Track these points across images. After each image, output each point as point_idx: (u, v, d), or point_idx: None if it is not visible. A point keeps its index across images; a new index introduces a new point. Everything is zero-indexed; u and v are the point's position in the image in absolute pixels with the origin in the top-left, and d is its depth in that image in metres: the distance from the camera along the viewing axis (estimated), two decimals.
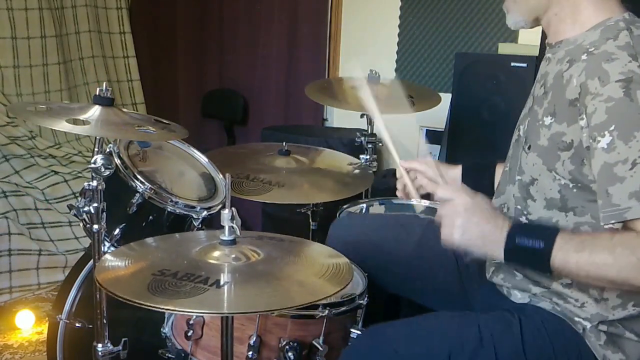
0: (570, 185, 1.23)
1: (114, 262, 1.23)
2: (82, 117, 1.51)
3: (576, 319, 1.27)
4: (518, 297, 1.36)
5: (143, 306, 1.05)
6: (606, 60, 1.15)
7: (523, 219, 1.33)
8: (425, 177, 1.57)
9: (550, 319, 1.29)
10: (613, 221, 1.12)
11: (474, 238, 1.21)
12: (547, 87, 1.29)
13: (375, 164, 2.15)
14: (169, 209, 1.69)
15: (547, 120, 1.25)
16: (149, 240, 1.37)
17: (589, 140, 1.15)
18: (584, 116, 1.15)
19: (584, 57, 1.19)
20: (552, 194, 1.26)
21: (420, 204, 1.85)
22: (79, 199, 1.56)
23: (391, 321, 1.36)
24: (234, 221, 1.21)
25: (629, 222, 1.11)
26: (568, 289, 1.27)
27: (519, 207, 1.34)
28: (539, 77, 1.36)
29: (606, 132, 1.11)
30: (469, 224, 1.20)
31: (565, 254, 1.14)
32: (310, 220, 2.28)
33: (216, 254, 1.22)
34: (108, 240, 1.71)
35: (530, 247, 1.16)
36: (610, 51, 1.16)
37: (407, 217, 1.80)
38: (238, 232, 1.22)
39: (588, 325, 1.26)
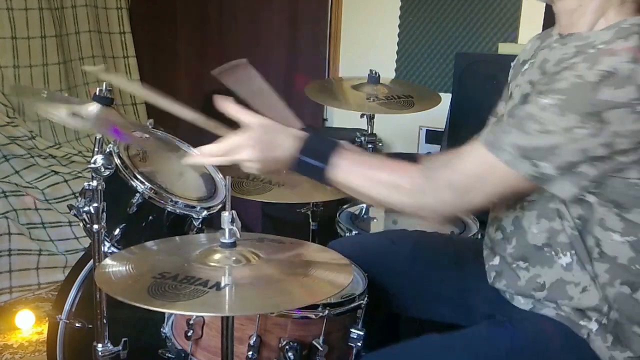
0: None
1: (114, 265, 1.23)
2: (81, 110, 1.51)
3: (581, 323, 1.27)
4: (521, 302, 1.36)
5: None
6: (609, 54, 1.15)
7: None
8: None
9: (550, 326, 1.29)
10: (487, 145, 1.19)
11: (268, 166, 1.29)
12: (546, 72, 1.27)
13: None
14: (169, 209, 1.70)
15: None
16: (149, 243, 1.37)
17: (536, 93, 1.17)
18: (553, 81, 1.16)
19: (591, 50, 1.18)
20: None
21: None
22: (79, 199, 1.56)
23: (376, 351, 1.39)
24: (234, 224, 1.21)
25: (480, 152, 1.19)
26: (569, 271, 1.28)
27: None
28: (540, 64, 1.33)
29: (555, 96, 1.14)
30: (258, 159, 1.28)
31: (341, 172, 1.25)
32: (310, 220, 2.28)
33: (216, 256, 1.22)
34: (108, 240, 1.71)
35: (310, 164, 1.27)
36: (617, 49, 1.15)
37: (396, 232, 1.81)
38: (238, 235, 1.22)
39: (594, 328, 1.26)
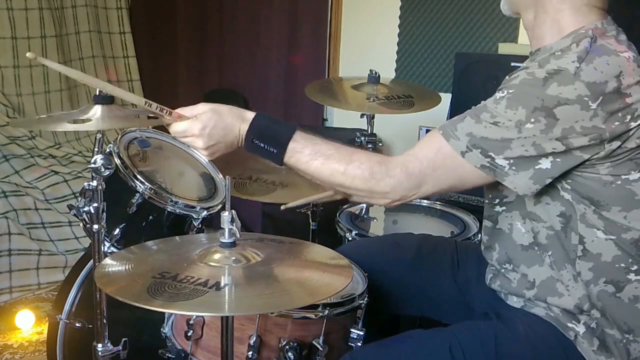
0: None
1: (114, 265, 1.23)
2: (83, 117, 1.51)
3: (569, 324, 1.28)
4: (514, 300, 1.38)
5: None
6: (556, 58, 1.19)
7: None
8: None
9: (539, 325, 1.31)
10: (441, 132, 1.23)
11: (221, 150, 1.37)
12: None
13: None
14: (169, 209, 1.69)
15: None
16: (149, 243, 1.37)
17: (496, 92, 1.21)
18: (509, 80, 1.23)
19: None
20: None
21: None
22: (79, 199, 1.56)
23: (365, 345, 1.42)
24: (234, 223, 1.21)
25: (433, 139, 1.24)
26: (554, 269, 1.29)
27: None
28: None
29: (505, 90, 1.19)
30: (212, 144, 1.35)
31: (297, 158, 1.31)
32: (310, 220, 2.28)
33: (216, 256, 1.21)
34: (108, 240, 1.71)
35: (265, 149, 1.33)
36: (565, 51, 1.20)
37: (401, 235, 1.81)
38: (238, 235, 1.22)
39: (581, 330, 1.27)
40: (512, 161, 1.17)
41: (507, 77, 1.30)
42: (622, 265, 1.23)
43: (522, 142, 1.16)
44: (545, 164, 1.17)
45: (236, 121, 1.35)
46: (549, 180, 1.19)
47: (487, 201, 1.41)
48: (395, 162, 1.26)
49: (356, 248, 1.77)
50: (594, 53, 1.17)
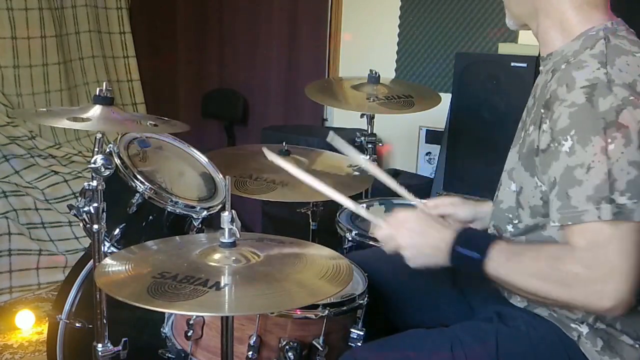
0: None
1: (114, 265, 1.23)
2: (83, 116, 1.51)
3: (572, 325, 1.27)
4: (517, 300, 1.36)
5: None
6: (577, 68, 1.17)
7: (510, 227, 1.34)
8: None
9: (542, 325, 1.30)
10: (570, 222, 1.14)
11: (425, 258, 1.29)
12: (536, 98, 1.31)
13: (375, 164, 2.15)
14: (169, 209, 1.70)
15: (531, 129, 1.26)
16: (149, 243, 1.37)
17: (554, 144, 1.16)
18: (548, 121, 1.18)
19: (563, 66, 1.21)
20: (535, 202, 1.27)
21: (421, 204, 1.85)
22: (79, 199, 1.56)
23: (365, 344, 1.40)
24: (234, 223, 1.21)
25: (576, 227, 1.13)
26: None
27: (510, 215, 1.35)
28: (533, 90, 1.37)
29: (568, 137, 1.14)
30: (413, 247, 1.30)
31: (496, 264, 1.21)
32: (310, 220, 2.28)
33: (216, 256, 1.22)
34: (108, 240, 1.71)
35: (468, 256, 1.24)
36: (583, 59, 1.17)
37: None
38: (238, 235, 1.22)
39: (584, 331, 1.26)
40: (627, 194, 1.11)
41: (532, 96, 1.27)
42: None
43: (620, 167, 1.11)
44: None
45: (442, 227, 1.31)
46: None
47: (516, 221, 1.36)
48: (571, 260, 1.15)
49: (357, 254, 1.76)
50: (612, 55, 1.16)
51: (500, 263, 1.21)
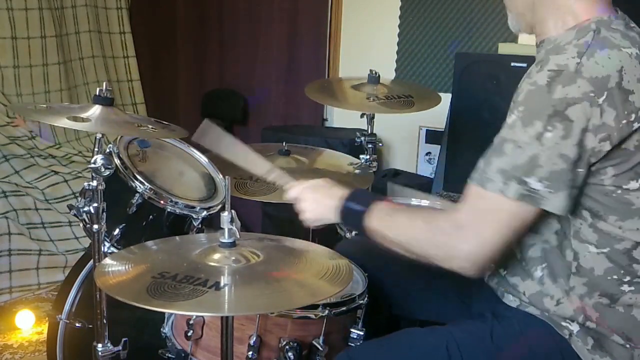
0: None
1: (114, 265, 1.23)
2: (82, 115, 1.51)
3: (563, 323, 1.28)
4: (510, 299, 1.37)
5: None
6: (556, 52, 1.17)
7: None
8: None
9: (534, 324, 1.30)
10: (475, 183, 1.19)
11: (318, 210, 1.40)
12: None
13: (375, 164, 2.15)
14: (168, 209, 1.70)
15: None
16: (149, 243, 1.37)
17: (508, 114, 1.20)
18: (516, 96, 1.20)
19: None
20: None
21: (421, 204, 1.86)
22: (79, 199, 1.56)
23: (362, 343, 1.42)
24: (234, 223, 1.21)
25: (476, 188, 1.19)
26: (542, 285, 1.29)
27: None
28: None
29: (516, 111, 1.17)
30: (312, 200, 1.41)
31: (375, 218, 1.30)
32: None
33: (216, 256, 1.22)
34: (108, 240, 1.71)
35: (353, 209, 1.34)
36: (566, 47, 1.17)
37: None
38: (238, 235, 1.22)
39: (575, 329, 1.27)
40: (545, 182, 1.13)
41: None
42: (615, 277, 1.23)
43: (548, 155, 1.13)
44: (574, 176, 1.14)
45: (337, 188, 1.41)
46: (577, 192, 1.17)
47: None
48: (444, 217, 1.23)
49: (354, 245, 1.76)
50: (596, 46, 1.15)
51: (380, 217, 1.29)
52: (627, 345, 1.25)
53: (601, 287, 1.24)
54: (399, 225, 1.28)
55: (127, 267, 1.22)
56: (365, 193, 1.43)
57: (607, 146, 1.14)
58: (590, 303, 1.25)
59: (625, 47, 1.16)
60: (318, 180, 1.45)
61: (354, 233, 2.01)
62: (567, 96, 1.11)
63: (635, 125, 1.14)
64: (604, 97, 1.11)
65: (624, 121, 1.13)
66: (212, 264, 1.20)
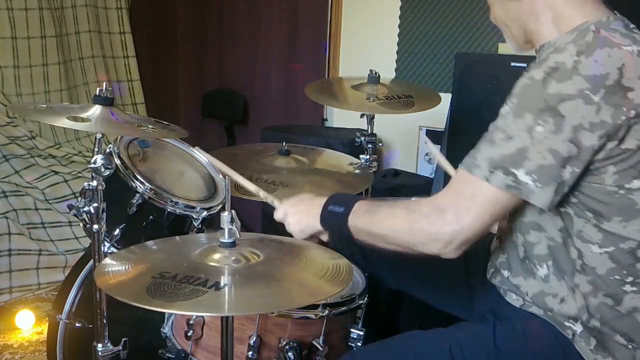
0: None
1: (114, 265, 1.23)
2: (82, 115, 1.51)
3: (566, 323, 1.28)
4: (513, 298, 1.37)
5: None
6: (556, 51, 1.18)
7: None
8: None
9: (537, 324, 1.30)
10: (463, 167, 1.22)
11: (303, 220, 1.42)
12: None
13: (375, 164, 2.15)
14: (169, 209, 1.69)
15: None
16: (149, 243, 1.37)
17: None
18: (512, 89, 1.22)
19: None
20: None
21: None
22: (79, 199, 1.56)
23: (365, 345, 1.42)
24: (234, 223, 1.21)
25: (463, 172, 1.21)
26: (547, 282, 1.29)
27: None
28: None
29: (509, 102, 1.19)
30: (296, 212, 1.44)
31: (356, 216, 1.32)
32: None
33: (216, 256, 1.21)
34: (108, 240, 1.71)
35: (335, 211, 1.35)
36: (566, 47, 1.17)
37: None
38: (238, 235, 1.22)
39: (578, 329, 1.27)
40: (534, 176, 1.14)
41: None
42: (617, 277, 1.23)
43: (538, 149, 1.13)
44: (564, 172, 1.15)
45: (318, 198, 1.43)
46: (566, 189, 1.18)
47: None
48: (425, 202, 1.25)
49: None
50: (596, 45, 1.15)
51: (360, 215, 1.31)
52: (630, 346, 1.25)
53: (605, 287, 1.24)
54: (381, 217, 1.29)
55: (127, 267, 1.22)
56: (345, 195, 1.45)
57: (606, 144, 1.14)
58: (595, 303, 1.25)
59: (626, 46, 1.16)
60: (300, 195, 1.48)
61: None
62: (561, 92, 1.12)
63: (635, 122, 1.14)
64: (601, 94, 1.11)
65: (623, 118, 1.13)
66: (212, 264, 1.20)
